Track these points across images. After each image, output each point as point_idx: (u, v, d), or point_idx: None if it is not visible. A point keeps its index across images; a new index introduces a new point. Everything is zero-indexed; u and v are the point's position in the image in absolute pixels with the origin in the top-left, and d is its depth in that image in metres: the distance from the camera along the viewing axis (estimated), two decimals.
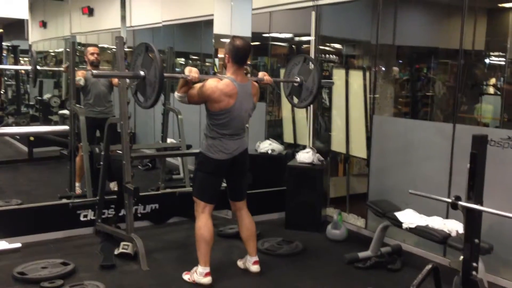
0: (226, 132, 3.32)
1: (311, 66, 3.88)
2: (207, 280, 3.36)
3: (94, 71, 3.12)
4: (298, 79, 3.91)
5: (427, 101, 5.62)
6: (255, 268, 3.59)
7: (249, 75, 3.60)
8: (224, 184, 3.65)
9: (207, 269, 3.37)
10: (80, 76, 5.07)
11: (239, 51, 3.27)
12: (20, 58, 9.32)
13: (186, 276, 3.47)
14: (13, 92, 9.45)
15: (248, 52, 3.35)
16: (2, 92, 9.35)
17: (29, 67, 5.85)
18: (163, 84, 3.05)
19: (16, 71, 8.95)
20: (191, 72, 3.21)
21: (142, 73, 3.14)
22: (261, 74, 3.62)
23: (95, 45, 5.61)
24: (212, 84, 3.23)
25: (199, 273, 3.36)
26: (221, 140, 3.31)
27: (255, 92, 3.45)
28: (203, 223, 3.37)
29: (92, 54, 5.21)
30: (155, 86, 3.04)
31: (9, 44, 9.25)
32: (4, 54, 9.26)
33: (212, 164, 3.34)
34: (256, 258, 3.60)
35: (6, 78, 9.64)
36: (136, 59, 3.20)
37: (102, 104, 5.28)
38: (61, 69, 5.53)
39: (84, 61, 5.53)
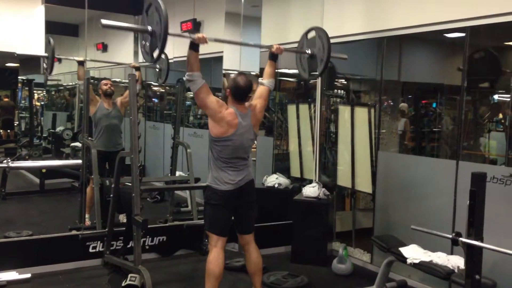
0: (230, 162, 3.38)
1: (315, 34, 3.93)
2: None
3: (103, 21, 3.06)
4: (310, 51, 3.96)
5: (433, 137, 5.67)
6: None
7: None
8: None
9: None
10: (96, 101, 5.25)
11: (239, 90, 3.40)
12: (34, 91, 9.53)
13: None
14: (27, 124, 9.63)
15: (249, 91, 3.45)
16: (15, 124, 9.56)
17: (45, 54, 5.99)
18: (167, 34, 3.03)
19: (30, 105, 9.12)
20: (200, 34, 3.23)
21: (149, 27, 3.13)
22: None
23: (108, 79, 5.80)
24: (222, 107, 3.33)
25: None
26: (225, 171, 3.38)
27: (255, 122, 3.52)
28: (214, 257, 3.37)
29: (105, 84, 5.41)
30: (161, 34, 3.04)
31: (24, 78, 9.49)
32: (19, 87, 9.51)
33: (219, 196, 3.39)
34: None
35: (19, 110, 9.84)
36: (145, 18, 3.22)
37: (112, 136, 5.40)
38: (76, 58, 5.63)
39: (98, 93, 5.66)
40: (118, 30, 8.68)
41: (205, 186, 3.58)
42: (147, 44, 3.22)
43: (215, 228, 3.43)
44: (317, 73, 4.04)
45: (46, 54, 5.99)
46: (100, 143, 5.27)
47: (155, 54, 3.15)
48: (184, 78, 3.28)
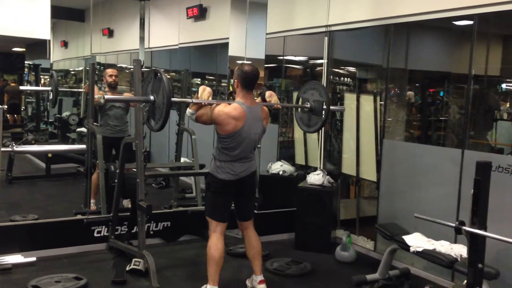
0: (235, 155, 3.40)
1: (323, 95, 3.96)
2: None
3: (106, 96, 3.21)
4: (309, 105, 3.99)
5: (440, 125, 5.64)
6: (261, 287, 3.63)
7: (259, 99, 3.68)
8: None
9: None
10: (100, 94, 5.21)
11: (247, 77, 3.38)
12: (41, 76, 9.56)
13: None
14: (33, 109, 9.67)
15: (256, 78, 3.45)
16: (22, 109, 9.60)
17: (49, 88, 6.04)
18: (170, 108, 3.16)
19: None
20: (205, 90, 3.34)
21: (152, 97, 3.28)
22: (268, 94, 3.67)
23: (114, 66, 5.77)
24: (220, 107, 3.33)
25: None
26: (229, 162, 3.40)
27: (265, 116, 3.53)
28: (213, 242, 3.42)
29: (110, 76, 5.36)
30: (163, 110, 3.17)
31: (30, 63, 9.51)
32: (25, 72, 9.54)
33: (219, 184, 3.42)
34: (261, 278, 3.63)
35: (26, 95, 9.88)
36: (148, 85, 3.34)
37: (118, 124, 5.41)
38: (82, 90, 5.67)
39: (101, 81, 5.67)
40: (124, 15, 8.69)
41: (207, 173, 3.59)
42: (146, 109, 3.42)
43: (215, 214, 3.47)
44: (310, 129, 4.11)
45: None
46: (106, 129, 5.28)
47: (159, 123, 3.28)
48: (187, 113, 3.46)
